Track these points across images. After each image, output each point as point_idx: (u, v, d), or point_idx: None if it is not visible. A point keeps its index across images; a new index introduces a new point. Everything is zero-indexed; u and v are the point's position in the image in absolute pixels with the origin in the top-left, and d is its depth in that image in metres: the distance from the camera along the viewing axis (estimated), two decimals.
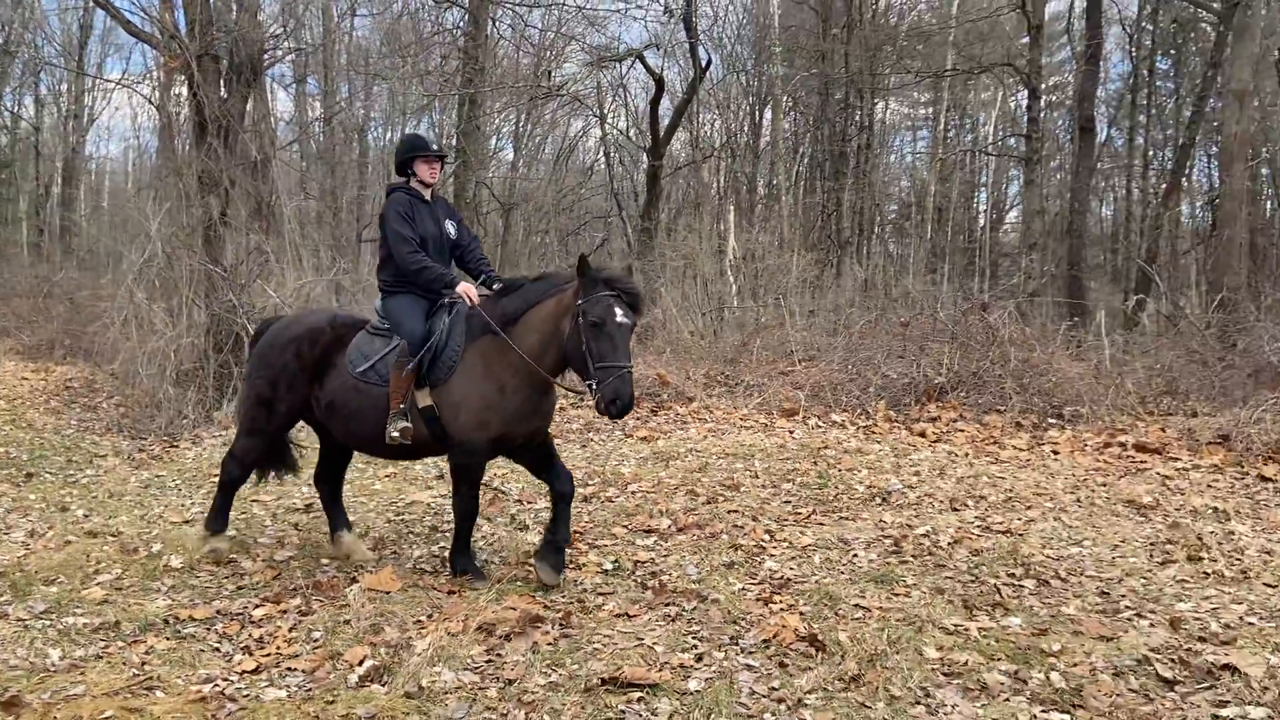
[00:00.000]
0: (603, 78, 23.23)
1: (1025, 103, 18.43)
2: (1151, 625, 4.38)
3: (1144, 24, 19.56)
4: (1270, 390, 9.56)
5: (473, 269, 5.56)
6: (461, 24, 20.43)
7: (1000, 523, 6.11)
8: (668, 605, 4.67)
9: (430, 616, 4.49)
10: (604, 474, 7.50)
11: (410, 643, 4.07)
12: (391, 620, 4.38)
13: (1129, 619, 4.48)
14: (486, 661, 3.95)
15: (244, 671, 3.98)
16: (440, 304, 5.29)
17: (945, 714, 3.45)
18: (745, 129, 26.58)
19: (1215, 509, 6.46)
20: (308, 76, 23.84)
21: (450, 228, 5.51)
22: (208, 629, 4.48)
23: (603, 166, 25.88)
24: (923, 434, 9.09)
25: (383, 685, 3.73)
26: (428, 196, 5.44)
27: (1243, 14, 15.10)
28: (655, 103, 18.67)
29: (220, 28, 12.91)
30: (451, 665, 3.86)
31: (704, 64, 18.85)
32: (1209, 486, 7.27)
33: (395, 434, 4.99)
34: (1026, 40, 18.88)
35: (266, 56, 14.03)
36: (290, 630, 4.42)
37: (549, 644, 4.13)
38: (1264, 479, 7.48)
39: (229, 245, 12.17)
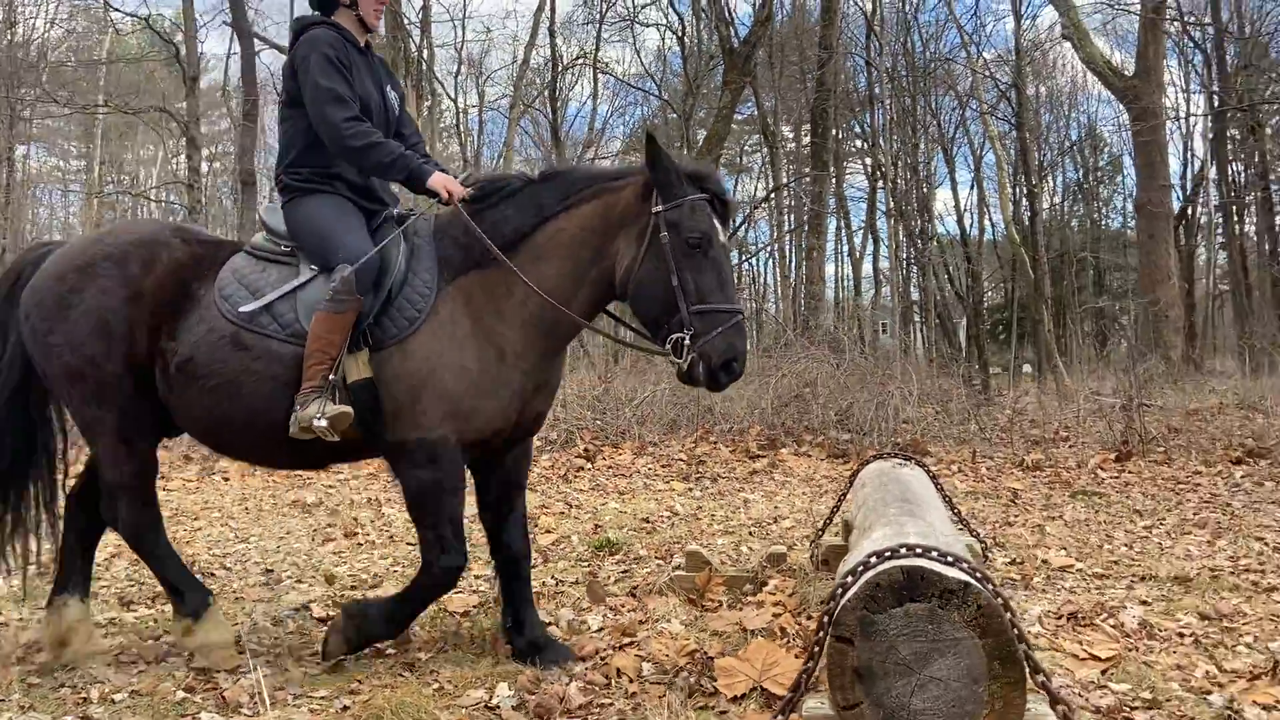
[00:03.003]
0: None
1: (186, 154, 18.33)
2: (310, 585, 4.69)
3: None
4: None
5: None
6: None
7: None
8: None
9: None
10: None
11: None
12: None
13: (291, 584, 4.72)
14: None
15: None
16: (386, 216, 3.37)
17: (100, 687, 3.18)
18: None
19: (369, 500, 7.19)
20: None
21: (394, 99, 3.54)
22: None
23: None
24: None
25: None
26: (363, 44, 3.47)
27: None
28: None
29: None
30: None
31: None
32: (366, 488, 8.02)
33: (321, 422, 2.99)
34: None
35: None
36: None
37: None
38: None
39: None
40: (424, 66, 18.71)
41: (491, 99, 25.97)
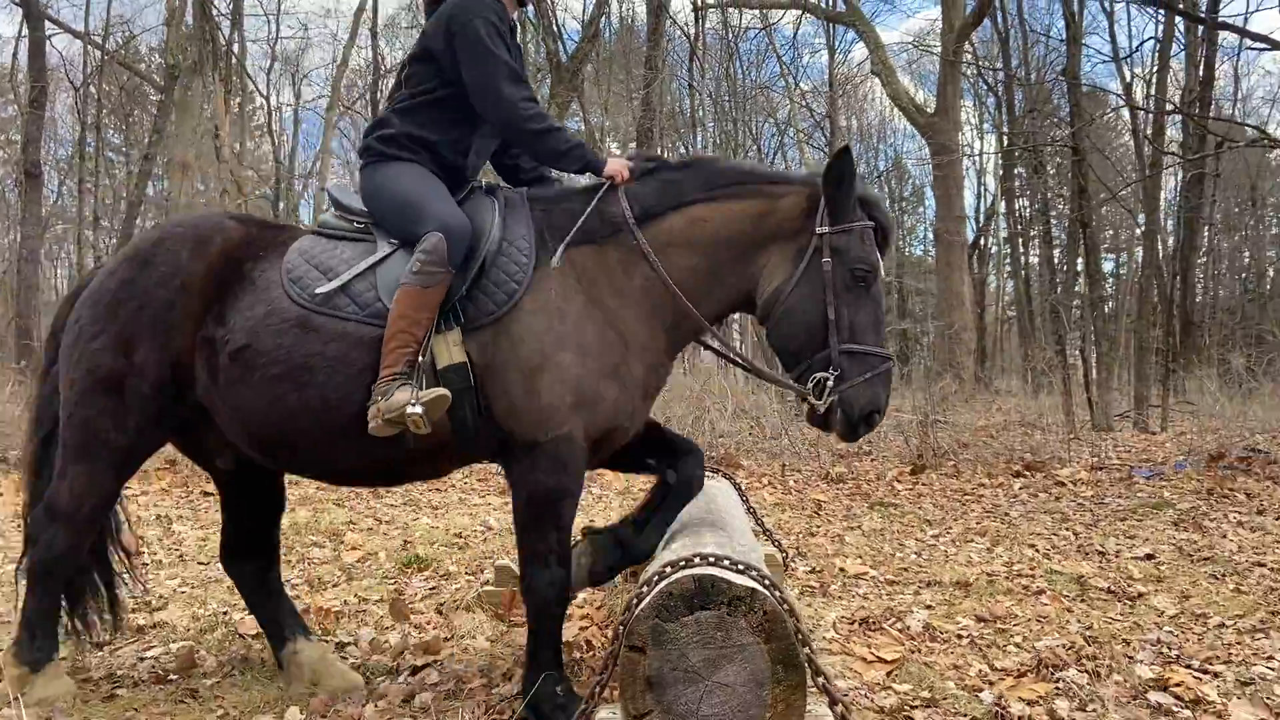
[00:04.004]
0: None
1: None
2: None
3: (90, 87, 19.76)
4: None
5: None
6: None
7: None
8: None
9: None
10: None
11: None
12: None
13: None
14: None
15: None
16: (474, 187, 3.09)
17: None
18: None
19: (158, 516, 6.74)
20: None
21: None
22: None
23: None
24: None
25: None
26: (514, 20, 3.18)
27: (183, 92, 16.36)
28: None
29: None
30: None
31: None
32: (156, 504, 7.51)
33: (416, 408, 2.63)
34: None
35: None
36: None
37: None
38: (206, 494, 8.06)
39: None
40: (234, 60, 17.83)
41: (309, 99, 25.04)
